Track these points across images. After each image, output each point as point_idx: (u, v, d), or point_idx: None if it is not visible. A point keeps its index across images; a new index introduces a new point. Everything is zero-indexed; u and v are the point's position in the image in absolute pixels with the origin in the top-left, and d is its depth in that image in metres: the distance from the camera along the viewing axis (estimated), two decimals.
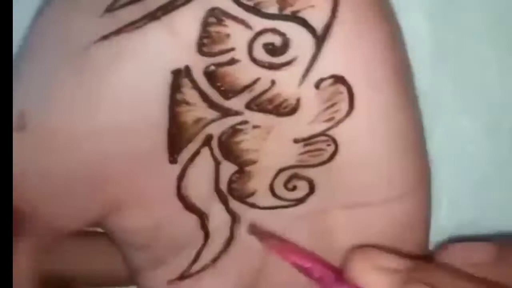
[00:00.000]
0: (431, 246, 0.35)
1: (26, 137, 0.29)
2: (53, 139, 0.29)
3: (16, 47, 0.31)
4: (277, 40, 0.28)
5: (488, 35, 0.36)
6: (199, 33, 0.28)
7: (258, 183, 0.32)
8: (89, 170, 0.30)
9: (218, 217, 0.32)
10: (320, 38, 0.28)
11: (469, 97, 0.37)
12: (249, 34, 0.28)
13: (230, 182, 0.32)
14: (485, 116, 0.37)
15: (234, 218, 0.32)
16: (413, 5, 0.35)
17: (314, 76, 0.29)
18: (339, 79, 0.29)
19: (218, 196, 0.32)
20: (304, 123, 0.30)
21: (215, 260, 0.33)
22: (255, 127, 0.30)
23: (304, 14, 0.28)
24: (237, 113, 0.30)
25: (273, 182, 0.32)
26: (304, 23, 0.28)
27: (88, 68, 0.29)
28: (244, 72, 0.29)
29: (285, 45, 0.29)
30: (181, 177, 0.31)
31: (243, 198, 0.32)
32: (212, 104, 0.29)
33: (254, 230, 0.32)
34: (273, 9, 0.28)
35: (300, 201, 0.32)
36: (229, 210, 0.32)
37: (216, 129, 0.30)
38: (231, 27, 0.28)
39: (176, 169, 0.31)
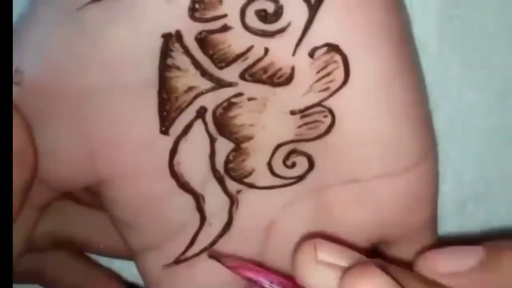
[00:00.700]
0: None
1: (22, 92, 0.27)
2: (45, 97, 0.27)
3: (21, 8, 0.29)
4: (270, 6, 0.26)
5: (496, 10, 0.34)
6: None
7: (256, 162, 0.29)
8: (79, 128, 0.28)
9: (215, 199, 0.30)
10: (313, 5, 0.26)
11: (476, 72, 0.34)
12: (241, 0, 0.26)
13: (227, 161, 0.29)
14: (491, 91, 0.35)
15: (232, 200, 0.30)
16: None
17: (308, 45, 0.27)
18: (333, 48, 0.27)
19: (215, 177, 0.29)
20: (300, 93, 0.28)
21: (212, 244, 0.30)
22: (250, 99, 0.28)
23: None
24: (231, 84, 0.28)
25: (271, 159, 0.29)
26: None
27: (81, 29, 0.27)
28: (236, 39, 0.27)
29: (278, 12, 0.26)
30: (173, 151, 0.28)
31: (241, 178, 0.29)
32: (204, 73, 0.27)
33: (212, 254, 0.29)
34: None
35: (300, 178, 0.29)
36: (227, 192, 0.30)
37: (210, 102, 0.28)
38: None
39: (169, 142, 0.28)
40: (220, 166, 0.29)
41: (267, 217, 0.30)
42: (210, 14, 0.26)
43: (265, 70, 0.27)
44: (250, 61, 0.27)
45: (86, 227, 0.35)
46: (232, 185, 0.29)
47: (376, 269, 0.24)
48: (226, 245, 0.30)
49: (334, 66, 0.27)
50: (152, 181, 0.29)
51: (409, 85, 0.29)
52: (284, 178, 0.29)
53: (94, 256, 0.37)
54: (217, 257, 0.29)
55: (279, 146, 0.29)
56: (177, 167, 0.28)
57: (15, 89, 0.27)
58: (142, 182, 0.29)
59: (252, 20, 0.26)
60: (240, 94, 0.28)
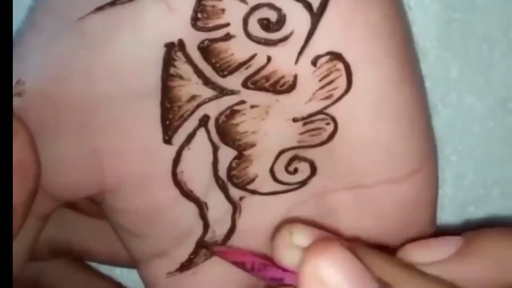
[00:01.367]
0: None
1: (24, 103, 0.27)
2: (49, 108, 0.27)
3: (21, 17, 0.30)
4: (272, 15, 0.27)
5: (496, 14, 0.34)
6: (194, 7, 0.26)
7: (259, 168, 0.30)
8: (83, 138, 0.28)
9: (218, 206, 0.30)
10: (316, 14, 0.26)
11: (475, 76, 0.35)
12: (244, 9, 0.27)
13: (230, 169, 0.29)
14: (490, 95, 0.35)
15: (235, 207, 0.30)
16: None
17: (310, 53, 0.27)
18: (336, 56, 0.27)
19: (217, 184, 0.30)
20: (302, 101, 0.28)
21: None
22: (253, 106, 0.28)
23: None
24: (233, 92, 0.28)
25: (273, 165, 0.30)
26: None
27: (83, 39, 0.27)
28: (239, 48, 0.27)
29: (280, 21, 0.27)
30: (176, 160, 0.29)
31: (243, 185, 0.30)
32: (207, 81, 0.28)
33: (201, 242, 0.30)
34: None
35: (302, 184, 0.30)
36: (229, 199, 0.30)
37: (212, 110, 0.28)
38: (226, 2, 0.26)
39: (172, 151, 0.28)
40: (223, 173, 0.29)
41: (270, 222, 0.30)
42: (212, 23, 0.26)
43: (267, 78, 0.27)
44: (252, 69, 0.27)
45: (85, 235, 0.35)
46: (235, 192, 0.30)
47: (338, 245, 0.24)
48: None
49: (336, 74, 0.27)
50: (156, 190, 0.29)
51: (411, 92, 0.29)
52: (287, 184, 0.30)
53: (94, 264, 0.37)
54: (205, 244, 0.30)
55: (281, 152, 0.29)
56: (180, 176, 0.29)
57: (17, 101, 0.27)
58: (145, 191, 0.29)
59: (254, 28, 0.26)
60: (242, 102, 0.28)
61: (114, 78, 0.27)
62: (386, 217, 0.30)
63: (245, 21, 0.26)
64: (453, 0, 0.34)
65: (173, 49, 0.27)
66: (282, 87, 0.27)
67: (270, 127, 0.29)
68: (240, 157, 0.29)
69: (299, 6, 0.26)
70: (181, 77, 0.27)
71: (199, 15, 0.26)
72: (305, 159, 0.29)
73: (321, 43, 0.27)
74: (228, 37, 0.27)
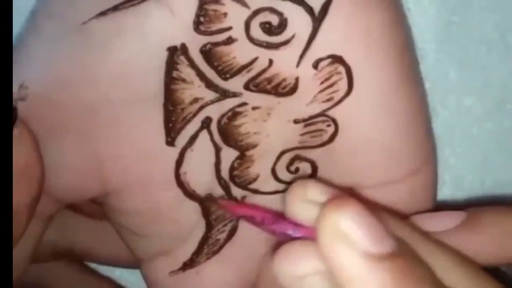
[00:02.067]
0: None
1: (28, 107, 0.28)
2: (52, 112, 0.28)
3: (22, 20, 0.30)
4: (274, 19, 0.27)
5: (494, 16, 0.35)
6: (196, 11, 0.27)
7: (260, 168, 0.30)
8: (86, 141, 0.28)
9: None
10: (317, 18, 0.27)
11: (474, 77, 0.35)
12: (246, 13, 0.27)
13: (232, 169, 0.30)
14: (489, 97, 0.35)
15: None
16: None
17: (312, 56, 0.28)
18: (337, 59, 0.28)
19: (220, 184, 0.30)
20: (304, 103, 0.29)
21: (219, 249, 0.31)
22: (254, 108, 0.29)
23: None
24: (235, 94, 0.29)
25: (275, 165, 0.30)
26: (301, 2, 0.27)
27: (86, 43, 0.28)
28: (241, 51, 0.28)
29: (282, 24, 0.27)
30: (179, 161, 0.29)
31: (245, 184, 0.31)
32: (209, 84, 0.28)
33: (209, 197, 0.30)
34: None
35: None
36: (232, 198, 0.31)
37: (215, 112, 0.29)
38: (228, 6, 0.27)
39: (175, 152, 0.29)
40: (225, 173, 0.30)
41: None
42: (215, 27, 0.27)
43: (269, 80, 0.28)
44: (254, 72, 0.28)
45: (87, 237, 0.35)
46: (237, 192, 0.30)
47: (357, 202, 0.24)
48: (232, 250, 0.31)
49: (337, 77, 0.28)
50: (159, 191, 0.30)
51: (410, 94, 0.30)
52: (288, 183, 0.30)
53: (93, 266, 0.37)
54: (212, 198, 0.30)
55: (283, 152, 0.30)
56: (183, 177, 0.29)
57: (20, 105, 0.28)
58: (149, 192, 0.30)
59: (256, 32, 0.27)
60: (244, 104, 0.29)
61: (117, 82, 0.28)
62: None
63: (247, 25, 0.27)
64: (452, 2, 0.34)
65: (176, 53, 0.27)
66: (284, 89, 0.28)
67: (272, 128, 0.29)
68: (242, 157, 0.30)
69: (301, 10, 0.27)
70: (184, 80, 0.28)
71: (202, 19, 0.27)
72: (306, 159, 0.30)
73: (322, 47, 0.27)
74: (230, 40, 0.27)
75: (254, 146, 0.30)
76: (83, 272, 0.37)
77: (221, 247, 0.31)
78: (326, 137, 0.29)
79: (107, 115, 0.28)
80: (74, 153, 0.29)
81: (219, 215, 0.31)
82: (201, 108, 0.29)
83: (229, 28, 0.27)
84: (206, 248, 0.31)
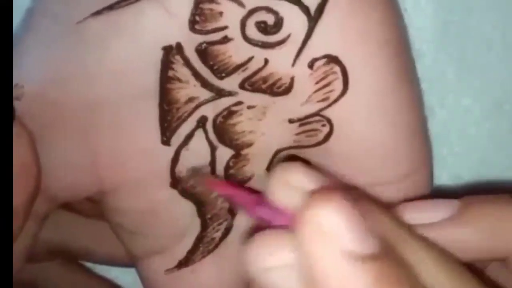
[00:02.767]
0: None
1: (24, 106, 0.28)
2: (48, 111, 0.29)
3: (18, 19, 0.30)
4: (270, 18, 0.28)
5: (492, 16, 0.35)
6: (192, 10, 0.27)
7: (256, 167, 0.31)
8: (83, 140, 0.29)
9: (216, 204, 0.31)
10: (313, 18, 0.28)
11: (472, 78, 0.36)
12: (242, 12, 0.28)
13: (227, 168, 0.31)
14: (487, 97, 0.36)
15: (232, 205, 0.32)
16: None
17: (307, 56, 0.28)
18: (332, 59, 0.28)
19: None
20: (299, 103, 0.29)
21: (214, 248, 0.32)
22: (250, 107, 0.29)
23: None
24: (230, 93, 0.29)
25: (270, 164, 0.31)
26: (297, 1, 0.27)
27: (82, 42, 0.28)
28: (237, 50, 0.28)
29: (278, 24, 0.28)
30: (175, 160, 0.30)
31: (240, 183, 0.31)
32: (205, 83, 0.29)
33: (193, 173, 0.30)
34: None
35: None
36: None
37: (210, 111, 0.29)
38: (224, 5, 0.28)
39: (170, 151, 0.30)
40: (220, 172, 0.30)
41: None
42: (210, 26, 0.27)
43: (264, 80, 0.28)
44: (250, 71, 0.28)
45: (82, 236, 0.36)
46: None
47: (343, 196, 0.23)
48: (227, 248, 0.32)
49: (333, 77, 0.28)
50: (155, 190, 0.30)
51: (407, 95, 0.30)
52: None
53: (89, 266, 0.38)
54: (198, 173, 0.30)
55: (278, 152, 0.30)
56: (179, 176, 0.30)
57: (16, 104, 0.28)
58: (145, 191, 0.30)
59: (252, 31, 0.28)
60: (240, 103, 0.29)
61: (113, 81, 0.28)
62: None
63: (243, 24, 0.27)
64: (449, 2, 0.35)
65: (171, 52, 0.28)
66: (279, 89, 0.29)
67: (267, 127, 0.30)
68: (237, 156, 0.30)
69: (296, 10, 0.27)
70: (179, 80, 0.28)
71: (197, 18, 0.27)
72: (301, 159, 0.30)
73: (317, 46, 0.28)
74: (225, 40, 0.28)
75: (249, 145, 0.30)
76: (78, 272, 0.37)
77: (216, 246, 0.32)
78: (321, 136, 0.30)
79: (103, 114, 0.28)
80: (70, 151, 0.29)
81: (214, 214, 0.31)
82: (197, 107, 0.29)
83: (225, 27, 0.28)
84: (202, 246, 0.32)
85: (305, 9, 0.27)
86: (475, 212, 0.27)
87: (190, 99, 0.29)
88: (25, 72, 0.29)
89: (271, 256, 0.24)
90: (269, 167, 0.31)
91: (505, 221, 0.27)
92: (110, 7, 0.28)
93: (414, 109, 0.31)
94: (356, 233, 0.22)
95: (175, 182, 0.30)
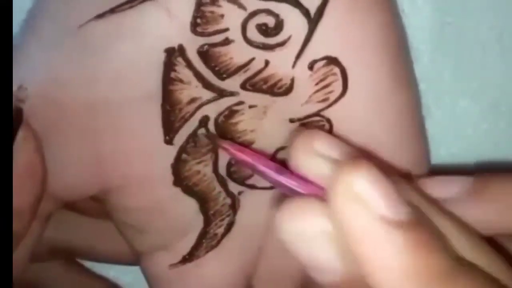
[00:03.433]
0: None
1: (28, 108, 0.29)
2: (52, 112, 0.29)
3: (19, 19, 0.31)
4: (270, 21, 0.29)
5: (489, 17, 0.36)
6: (193, 13, 0.28)
7: None
8: (87, 141, 0.30)
9: (218, 201, 0.32)
10: (313, 20, 0.28)
11: (469, 79, 0.37)
12: (243, 15, 0.28)
13: (229, 165, 0.32)
14: (484, 98, 0.37)
15: (234, 201, 0.33)
16: None
17: (307, 57, 0.29)
18: (332, 61, 0.29)
19: (217, 180, 0.32)
20: (299, 103, 0.30)
21: (217, 243, 0.33)
22: (251, 107, 0.30)
23: None
24: (232, 94, 0.30)
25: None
26: (297, 4, 0.28)
27: (84, 46, 0.29)
28: (238, 52, 0.29)
29: (278, 26, 0.29)
30: (177, 159, 0.31)
31: (242, 180, 0.32)
32: (207, 84, 0.30)
33: (209, 136, 0.31)
34: None
35: None
36: (229, 193, 0.32)
37: (212, 111, 0.30)
38: (225, 8, 0.28)
39: (173, 151, 0.31)
40: (222, 170, 0.31)
41: (267, 214, 0.32)
42: (212, 28, 0.28)
43: (265, 80, 0.29)
44: (251, 72, 0.29)
45: (85, 235, 0.37)
46: (234, 187, 0.32)
47: (370, 164, 0.24)
48: (230, 243, 0.33)
49: (332, 78, 0.29)
50: (159, 188, 0.31)
51: (405, 96, 0.31)
52: None
53: (88, 265, 0.39)
54: (212, 137, 0.31)
55: (278, 150, 0.31)
56: (182, 175, 0.31)
57: (22, 106, 0.29)
58: (148, 190, 0.31)
59: (253, 33, 0.28)
60: (241, 103, 0.30)
61: (115, 83, 0.29)
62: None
63: (244, 27, 0.28)
64: (446, 4, 0.35)
65: (173, 54, 0.29)
66: (280, 89, 0.30)
67: (268, 126, 0.31)
68: None
69: (297, 12, 0.28)
70: (181, 81, 0.29)
71: (199, 20, 0.28)
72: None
73: (317, 48, 0.29)
74: (227, 41, 0.29)
75: (250, 143, 0.31)
76: (78, 271, 0.38)
77: (219, 241, 0.33)
78: None
79: (106, 115, 0.29)
80: (74, 152, 0.30)
81: (216, 210, 0.32)
82: (199, 107, 0.30)
83: (226, 30, 0.28)
84: (205, 242, 0.33)
85: (305, 12, 0.28)
86: (490, 190, 0.28)
87: (192, 100, 0.30)
88: (28, 74, 0.29)
89: (304, 221, 0.25)
90: None
91: None
92: (112, 10, 0.28)
93: (413, 110, 0.32)
94: (390, 200, 0.23)
95: (179, 180, 0.31)
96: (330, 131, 0.30)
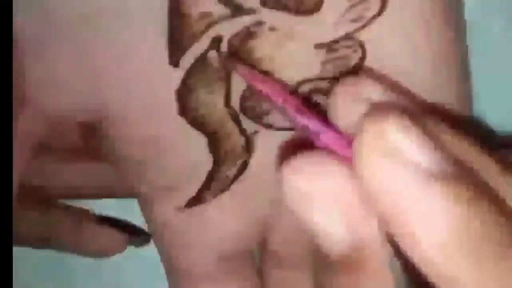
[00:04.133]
0: None
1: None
2: (43, 23, 0.27)
3: None
4: None
5: None
6: None
7: None
8: (82, 57, 0.28)
9: (230, 140, 0.30)
10: None
11: None
12: None
13: (243, 98, 0.29)
14: None
15: (248, 141, 0.30)
16: None
17: None
18: None
19: (230, 115, 0.30)
20: (328, 23, 0.28)
21: (227, 187, 0.31)
22: (271, 29, 0.28)
23: None
24: (250, 11, 0.27)
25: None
26: None
27: None
28: None
29: None
30: (184, 84, 0.28)
31: (257, 117, 0.30)
32: None
33: (223, 57, 0.28)
34: None
35: None
36: (242, 132, 0.30)
37: (226, 31, 0.28)
38: None
39: (179, 74, 0.28)
40: (235, 103, 0.29)
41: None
42: None
43: None
44: None
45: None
46: (248, 125, 0.30)
47: (410, 110, 0.22)
48: (241, 188, 0.31)
49: None
50: (162, 117, 0.29)
51: (449, 26, 0.29)
52: None
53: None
54: (226, 59, 0.28)
55: (300, 83, 0.29)
56: (189, 104, 0.29)
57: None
58: (151, 117, 0.29)
59: None
60: (260, 23, 0.27)
61: None
62: None
63: None
64: None
65: None
66: (306, 6, 0.27)
67: (289, 54, 0.28)
68: None
69: None
70: None
71: None
72: (327, 93, 0.28)
73: None
74: None
75: (267, 74, 0.28)
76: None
77: (229, 185, 0.31)
78: (351, 64, 0.28)
79: (103, 28, 0.27)
80: (69, 68, 0.28)
81: (227, 150, 0.30)
82: (210, 25, 0.27)
83: None
84: (214, 184, 0.31)
85: None
86: None
87: (203, 15, 0.27)
88: None
89: (317, 179, 0.23)
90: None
91: None
92: None
93: (456, 42, 0.30)
94: (430, 149, 0.21)
95: (184, 109, 0.29)
96: (362, 59, 0.28)
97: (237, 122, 0.30)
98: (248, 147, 0.30)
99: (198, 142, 0.30)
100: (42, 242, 0.38)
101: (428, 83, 0.29)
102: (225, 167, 0.31)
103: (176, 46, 0.27)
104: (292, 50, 0.28)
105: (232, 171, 0.31)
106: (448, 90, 0.29)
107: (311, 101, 0.29)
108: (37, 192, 0.36)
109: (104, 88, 0.28)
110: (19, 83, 0.27)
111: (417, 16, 0.28)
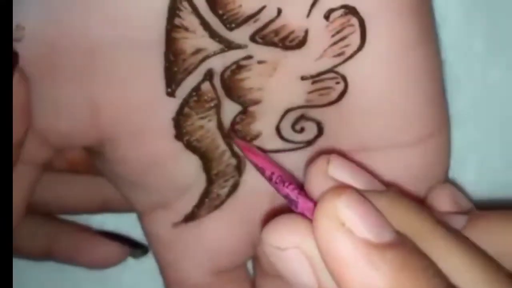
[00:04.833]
0: None
1: (23, 47, 0.29)
2: (47, 52, 0.29)
3: None
4: None
5: None
6: None
7: (264, 125, 0.31)
8: (83, 85, 0.29)
9: (222, 161, 0.32)
10: None
11: (502, 48, 0.35)
12: None
13: (234, 123, 0.31)
14: None
15: (239, 161, 0.32)
16: None
17: (323, 6, 0.28)
18: (350, 10, 0.28)
19: (222, 138, 0.31)
20: (312, 58, 0.29)
21: (220, 204, 0.33)
22: (260, 62, 0.30)
23: None
24: (240, 46, 0.29)
25: (279, 123, 0.31)
26: None
27: None
28: None
29: None
30: (180, 113, 0.30)
31: (247, 140, 0.32)
32: (213, 34, 0.29)
33: (232, 135, 0.32)
34: None
35: (308, 143, 0.32)
36: (234, 153, 0.32)
37: (218, 64, 0.30)
38: None
39: (175, 104, 0.30)
40: (227, 127, 0.31)
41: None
42: None
43: (277, 32, 0.28)
44: (261, 22, 0.28)
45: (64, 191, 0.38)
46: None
47: (354, 190, 0.26)
48: (234, 204, 0.33)
49: (350, 30, 0.28)
50: (157, 142, 0.31)
51: (426, 56, 0.30)
52: (292, 142, 0.31)
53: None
54: (230, 135, 0.31)
55: (288, 111, 0.31)
56: (185, 129, 0.30)
57: (17, 46, 0.28)
58: (145, 142, 0.31)
59: None
60: (249, 57, 0.29)
61: (116, 25, 0.28)
62: (395, 182, 0.31)
63: None
64: None
65: None
66: (292, 42, 0.29)
67: (277, 84, 0.30)
68: (245, 112, 0.31)
69: None
70: (186, 29, 0.28)
71: None
72: (312, 119, 0.31)
73: None
74: None
75: (257, 102, 0.30)
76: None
77: (223, 202, 0.33)
78: (334, 95, 0.30)
79: (103, 59, 0.29)
80: (70, 96, 0.29)
81: (220, 170, 0.32)
82: (204, 59, 0.29)
83: None
84: (207, 201, 0.33)
85: None
86: (479, 229, 0.29)
87: (197, 51, 0.29)
88: (25, 13, 0.29)
89: (287, 237, 0.26)
90: (279, 126, 0.31)
91: (504, 238, 0.29)
92: None
93: (433, 71, 0.31)
94: (371, 223, 0.25)
95: (180, 134, 0.31)
96: (344, 90, 0.30)
97: (229, 144, 0.31)
98: (240, 168, 0.32)
99: (192, 163, 0.31)
100: (42, 255, 0.39)
101: (404, 109, 0.30)
102: (218, 186, 0.32)
103: (172, 79, 0.29)
104: (279, 81, 0.30)
105: (224, 190, 0.32)
106: (425, 116, 0.30)
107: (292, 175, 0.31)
108: (38, 207, 0.37)
109: (103, 116, 0.30)
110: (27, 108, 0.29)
111: (394, 51, 0.29)
